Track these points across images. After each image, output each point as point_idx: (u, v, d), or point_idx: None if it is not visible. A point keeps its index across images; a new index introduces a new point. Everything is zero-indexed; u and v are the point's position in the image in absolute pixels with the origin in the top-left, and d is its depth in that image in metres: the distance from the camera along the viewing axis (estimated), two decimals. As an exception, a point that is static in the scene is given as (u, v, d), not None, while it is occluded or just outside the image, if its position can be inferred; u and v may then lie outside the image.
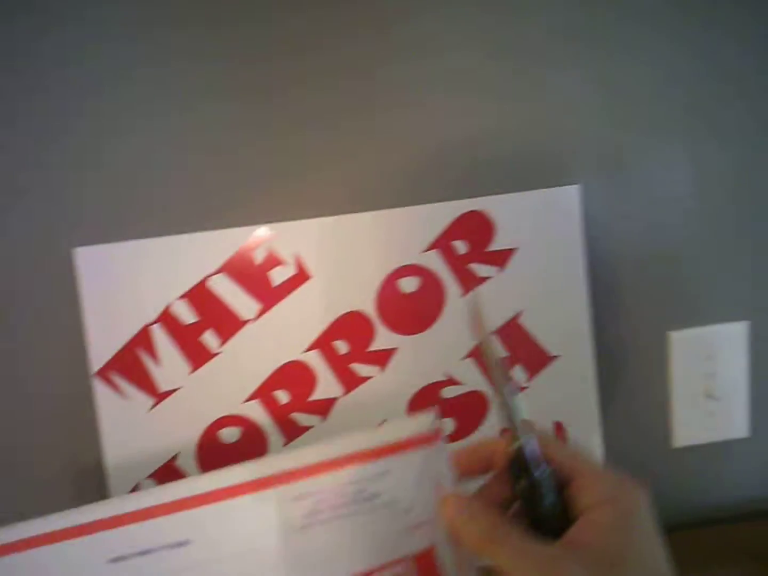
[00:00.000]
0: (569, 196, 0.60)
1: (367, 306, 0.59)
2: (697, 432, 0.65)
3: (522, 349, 0.60)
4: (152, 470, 0.58)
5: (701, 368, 0.64)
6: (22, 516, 0.34)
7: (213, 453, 0.58)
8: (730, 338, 0.64)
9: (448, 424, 0.60)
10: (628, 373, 0.64)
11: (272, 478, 0.36)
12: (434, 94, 0.58)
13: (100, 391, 0.57)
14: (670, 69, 0.60)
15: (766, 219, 0.63)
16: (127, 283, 0.57)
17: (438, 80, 0.58)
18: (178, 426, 0.58)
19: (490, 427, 0.60)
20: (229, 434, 0.58)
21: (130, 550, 0.33)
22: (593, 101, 0.60)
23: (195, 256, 0.57)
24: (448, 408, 0.60)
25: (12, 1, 0.54)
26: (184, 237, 0.57)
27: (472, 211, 0.59)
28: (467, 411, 0.60)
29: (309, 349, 0.59)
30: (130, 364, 0.57)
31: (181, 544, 0.34)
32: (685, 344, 0.64)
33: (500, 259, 0.60)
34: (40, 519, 0.33)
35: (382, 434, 0.37)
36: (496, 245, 0.59)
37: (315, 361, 0.59)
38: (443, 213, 0.59)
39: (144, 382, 0.57)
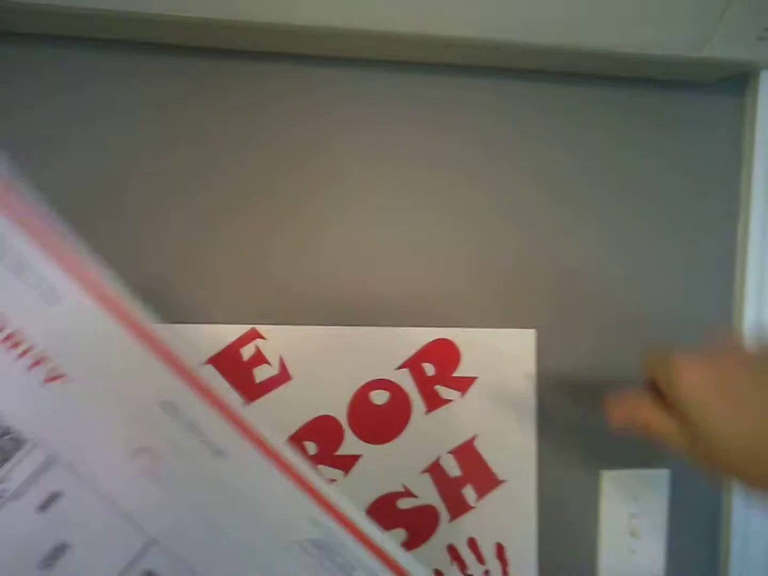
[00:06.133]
0: (525, 338, 0.69)
1: (340, 412, 0.64)
2: (620, 567, 0.71)
3: (474, 470, 0.66)
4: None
5: (628, 507, 0.71)
6: None
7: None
8: (654, 482, 0.72)
9: (400, 535, 0.64)
10: (564, 505, 0.70)
11: None
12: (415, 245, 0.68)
13: None
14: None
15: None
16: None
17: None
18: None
19: (439, 540, 0.64)
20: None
21: None
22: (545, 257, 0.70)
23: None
24: (401, 519, 0.64)
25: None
26: (176, 327, 0.62)
27: (443, 339, 0.66)
28: (419, 523, 0.64)
29: (280, 447, 0.62)
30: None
31: None
32: (615, 483, 0.71)
33: (462, 385, 0.66)
34: None
35: None
36: (460, 372, 0.67)
37: (284, 458, 0.62)
38: (418, 336, 0.66)
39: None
